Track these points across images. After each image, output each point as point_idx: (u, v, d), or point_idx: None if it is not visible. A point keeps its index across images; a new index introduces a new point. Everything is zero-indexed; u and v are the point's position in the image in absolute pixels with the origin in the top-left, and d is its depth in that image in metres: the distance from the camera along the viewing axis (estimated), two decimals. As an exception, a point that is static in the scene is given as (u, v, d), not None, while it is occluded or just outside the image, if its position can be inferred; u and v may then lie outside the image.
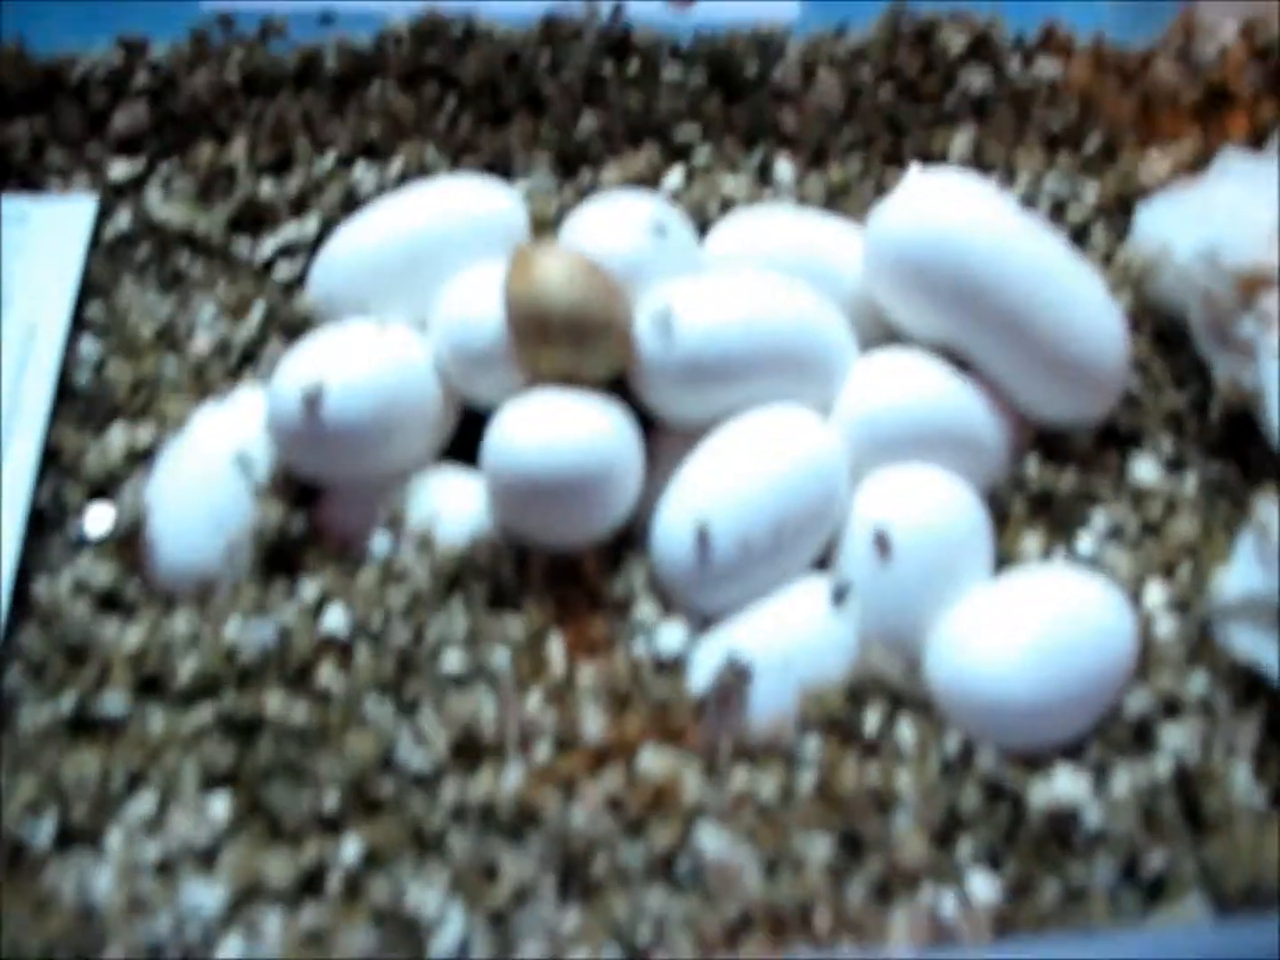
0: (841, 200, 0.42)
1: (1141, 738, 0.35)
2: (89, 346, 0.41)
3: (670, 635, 0.36)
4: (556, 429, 0.36)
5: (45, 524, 0.38)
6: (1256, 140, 0.43)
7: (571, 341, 0.36)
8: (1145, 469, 0.39)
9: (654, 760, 0.34)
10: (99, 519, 0.38)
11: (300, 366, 0.37)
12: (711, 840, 0.33)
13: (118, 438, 0.39)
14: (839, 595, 0.36)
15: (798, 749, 0.35)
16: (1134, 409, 0.39)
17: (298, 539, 0.37)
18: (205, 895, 0.32)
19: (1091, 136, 0.44)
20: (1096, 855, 0.33)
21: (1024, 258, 0.37)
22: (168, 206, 0.44)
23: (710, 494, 0.36)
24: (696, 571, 0.36)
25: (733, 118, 0.44)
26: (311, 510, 0.38)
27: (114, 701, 0.35)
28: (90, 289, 0.42)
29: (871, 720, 0.35)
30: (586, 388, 0.37)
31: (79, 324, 0.41)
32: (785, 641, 0.35)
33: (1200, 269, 0.38)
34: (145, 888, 0.32)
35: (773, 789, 0.34)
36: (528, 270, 0.36)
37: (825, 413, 0.38)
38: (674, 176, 0.43)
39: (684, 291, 0.37)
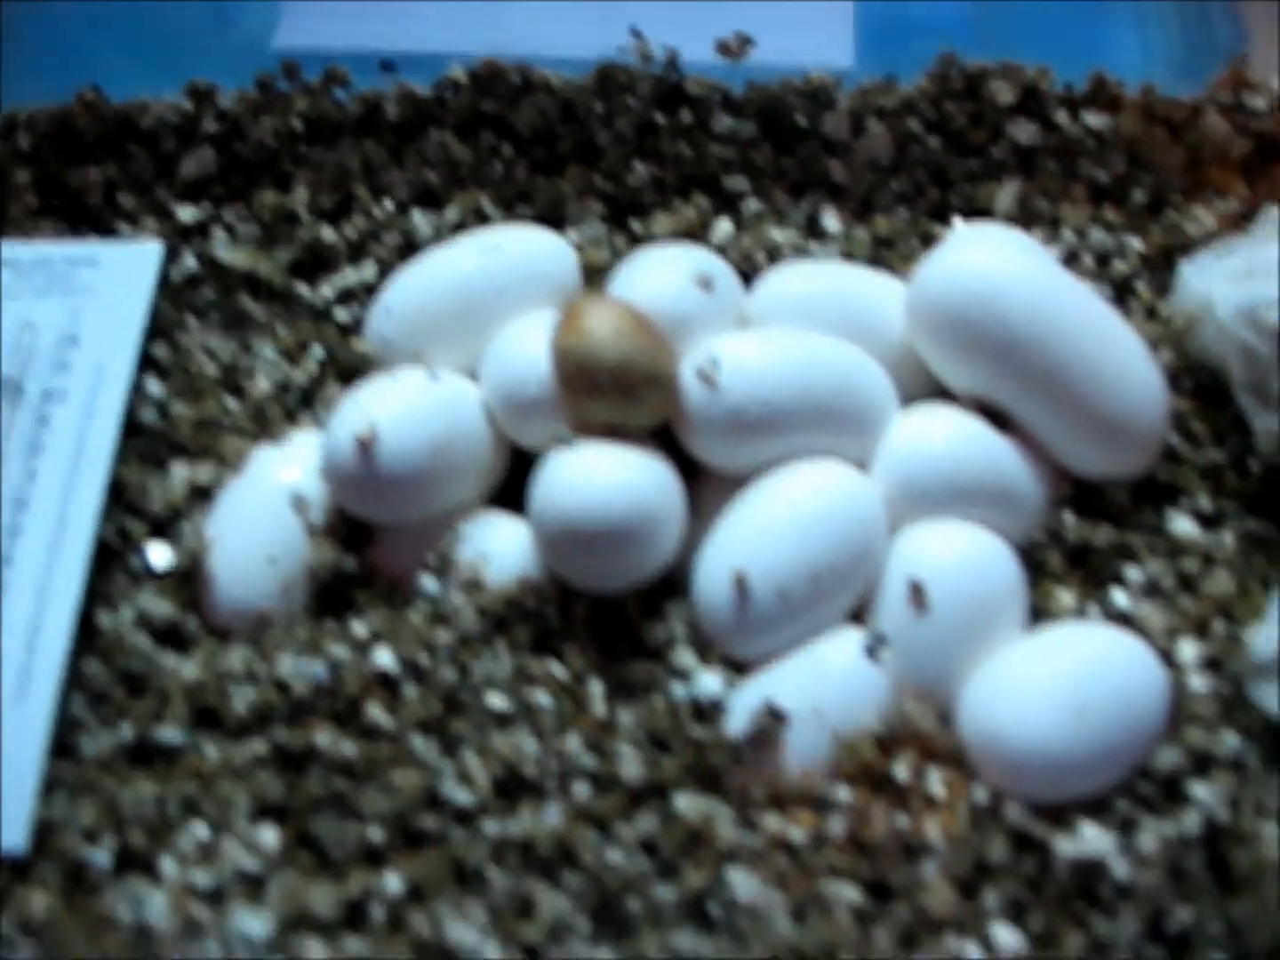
0: (887, 252, 0.43)
1: (1171, 794, 0.35)
2: (154, 386, 0.43)
3: (708, 681, 0.37)
4: (601, 478, 0.37)
5: (109, 556, 0.40)
6: (1306, 195, 0.44)
7: (618, 393, 0.37)
8: (1182, 524, 0.39)
9: (689, 803, 0.35)
10: (160, 554, 0.40)
11: (354, 412, 0.38)
12: (742, 883, 0.34)
13: (180, 475, 0.41)
14: (874, 646, 0.36)
15: (829, 796, 0.35)
16: (1173, 464, 0.40)
17: (350, 578, 0.39)
18: (253, 923, 0.34)
19: (1138, 189, 0.44)
20: (1122, 910, 0.34)
21: (1064, 314, 0.38)
22: (232, 250, 0.45)
23: (749, 543, 0.37)
24: (735, 619, 0.37)
25: (782, 168, 0.45)
26: (364, 550, 0.39)
27: (171, 732, 0.37)
28: (156, 329, 0.43)
29: (902, 770, 0.35)
30: (631, 437, 0.38)
31: (145, 363, 0.43)
32: (820, 690, 0.36)
33: (1241, 326, 0.39)
34: (197, 913, 0.34)
35: (804, 835, 0.35)
36: (576, 323, 0.37)
37: (866, 465, 0.39)
38: (723, 227, 0.44)
39: (729, 344, 0.38)
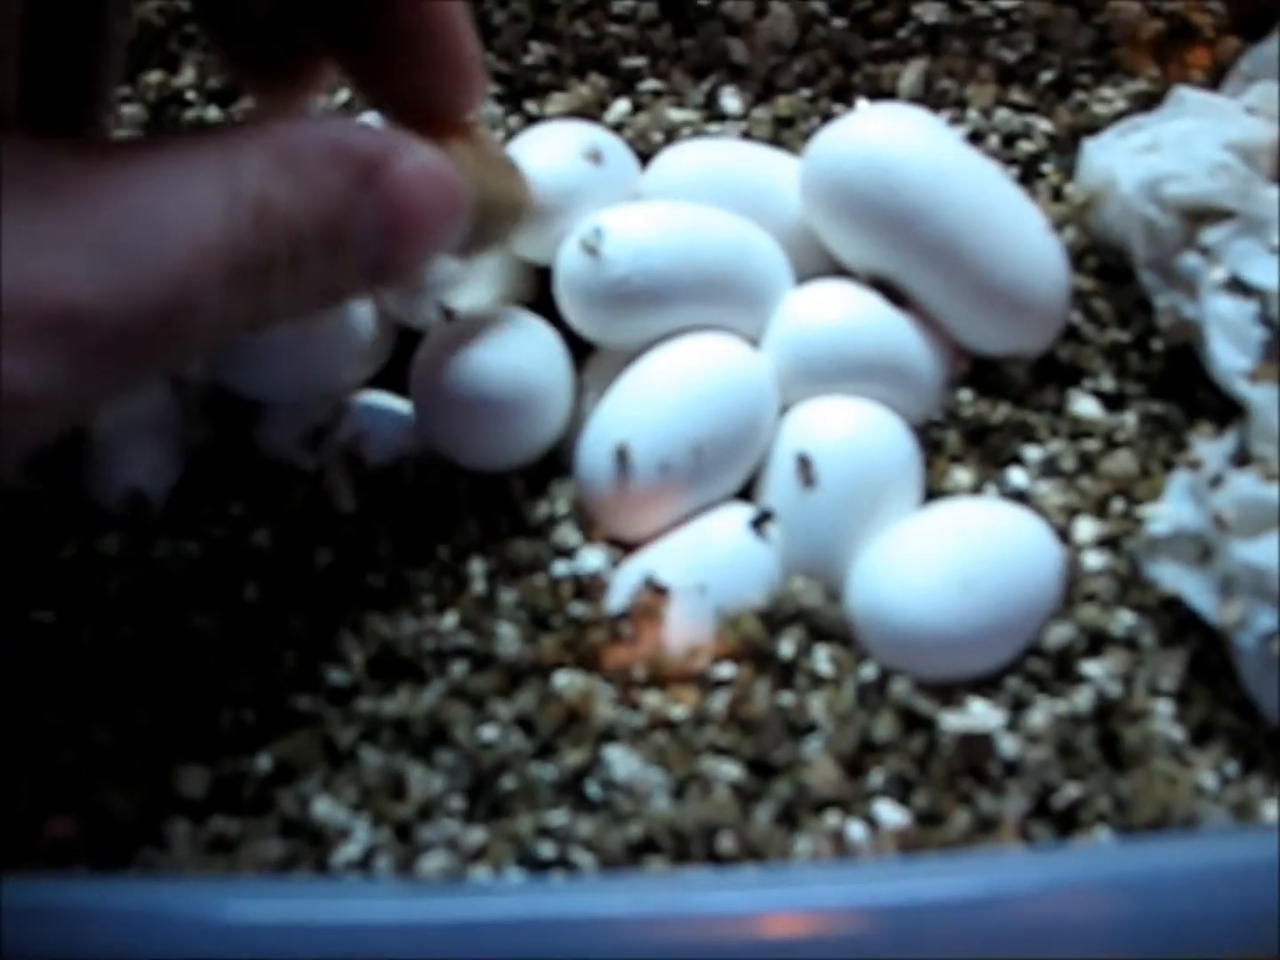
0: (788, 133, 0.42)
1: (1063, 672, 0.34)
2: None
3: (590, 558, 0.36)
4: (480, 349, 0.36)
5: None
6: (1217, 77, 0.42)
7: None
8: (1084, 404, 0.38)
9: (568, 681, 0.34)
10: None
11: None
12: (621, 761, 0.33)
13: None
14: (759, 522, 0.36)
15: (712, 674, 0.34)
16: (1075, 343, 0.39)
17: (229, 457, 0.38)
18: (118, 803, 0.33)
19: (1046, 70, 0.43)
20: (1009, 787, 0.33)
21: (961, 184, 0.37)
22: (117, 134, 0.44)
23: (632, 416, 0.36)
24: (617, 494, 0.36)
25: (683, 49, 0.44)
26: (244, 429, 0.38)
27: (43, 613, 0.36)
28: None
29: (787, 646, 0.34)
30: (514, 310, 0.37)
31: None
32: (704, 566, 0.35)
33: (1144, 200, 0.38)
34: (60, 792, 0.33)
35: (685, 712, 0.34)
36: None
37: (759, 342, 0.38)
38: (619, 107, 0.43)
39: (614, 216, 0.37)
